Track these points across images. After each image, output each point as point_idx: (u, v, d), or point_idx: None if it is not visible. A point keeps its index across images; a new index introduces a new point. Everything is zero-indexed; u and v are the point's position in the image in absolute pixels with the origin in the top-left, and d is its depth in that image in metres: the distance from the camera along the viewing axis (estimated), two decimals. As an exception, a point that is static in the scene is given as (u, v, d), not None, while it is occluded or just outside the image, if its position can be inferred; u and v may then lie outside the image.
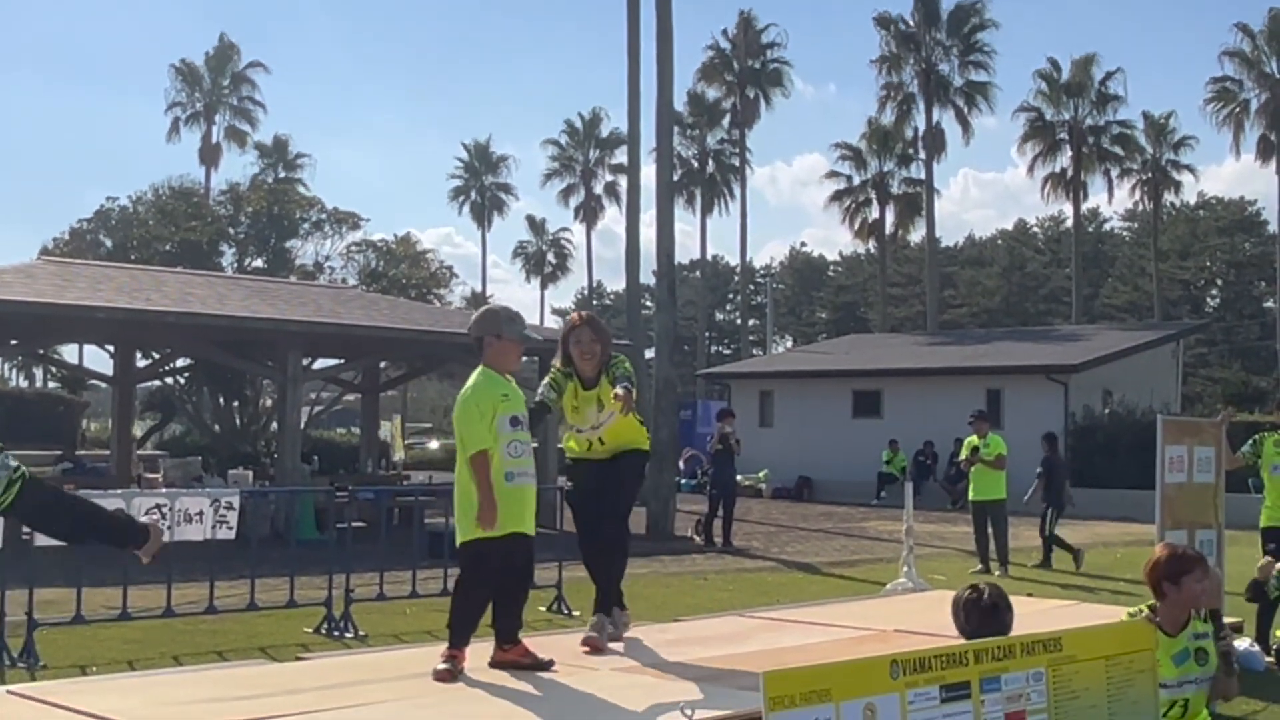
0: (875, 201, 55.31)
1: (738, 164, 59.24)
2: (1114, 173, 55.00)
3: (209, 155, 61.17)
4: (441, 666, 6.18)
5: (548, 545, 8.58)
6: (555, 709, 5.55)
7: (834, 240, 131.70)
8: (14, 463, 4.09)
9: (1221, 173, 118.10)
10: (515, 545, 6.46)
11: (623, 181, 53.25)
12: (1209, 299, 71.74)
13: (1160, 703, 5.32)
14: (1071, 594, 12.68)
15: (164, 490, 12.23)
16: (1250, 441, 10.12)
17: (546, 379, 7.38)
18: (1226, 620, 8.46)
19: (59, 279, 19.28)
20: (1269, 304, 63.21)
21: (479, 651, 6.48)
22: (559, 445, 18.82)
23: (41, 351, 23.99)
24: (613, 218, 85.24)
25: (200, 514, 9.45)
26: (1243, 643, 9.11)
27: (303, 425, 24.52)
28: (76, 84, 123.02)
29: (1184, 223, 70.89)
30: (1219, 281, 71.87)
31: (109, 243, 35.69)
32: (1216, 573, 9.57)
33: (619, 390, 6.87)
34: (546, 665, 6.42)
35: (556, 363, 7.34)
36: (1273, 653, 8.80)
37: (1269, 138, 49.40)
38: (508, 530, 6.36)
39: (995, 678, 4.27)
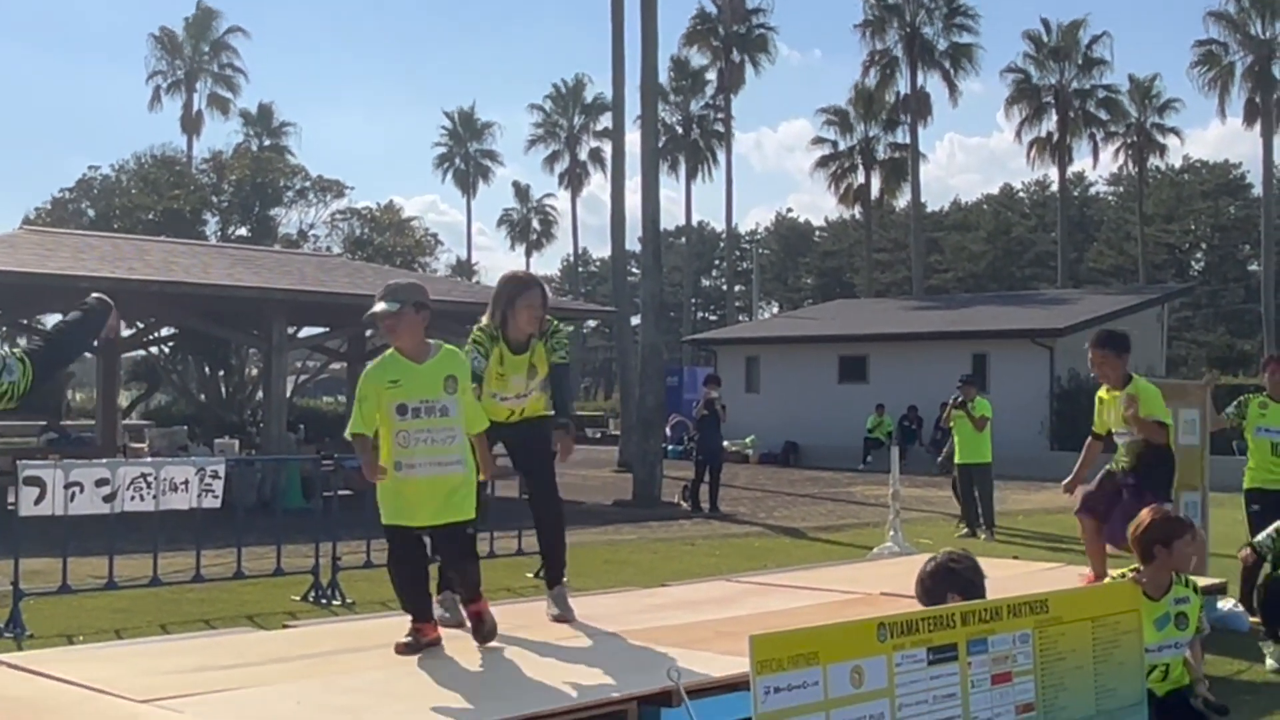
0: (861, 167, 55.27)
1: (723, 130, 59.05)
2: (1099, 136, 55.04)
3: (191, 123, 60.69)
4: (402, 639, 6.02)
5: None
6: (542, 673, 5.56)
7: (820, 206, 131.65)
8: (4, 350, 4.32)
9: (1207, 136, 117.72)
10: (419, 535, 6.15)
11: (608, 147, 53.04)
12: (1194, 262, 71.82)
13: (1143, 666, 5.33)
14: (1058, 556, 12.73)
15: (150, 459, 12.18)
16: (1235, 403, 10.17)
17: (472, 346, 6.52)
18: (1210, 581, 8.52)
19: (41, 248, 19.17)
20: (1253, 267, 63.27)
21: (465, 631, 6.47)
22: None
23: (24, 321, 23.81)
24: (598, 184, 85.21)
25: (186, 483, 9.44)
26: (1226, 603, 9.16)
27: (288, 394, 24.47)
28: (58, 52, 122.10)
29: (1169, 186, 70.90)
30: (1204, 245, 71.92)
31: (91, 212, 35.44)
32: (1201, 534, 9.64)
33: (560, 446, 6.70)
34: (487, 635, 6.15)
35: (484, 320, 6.60)
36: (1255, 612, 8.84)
37: (1254, 100, 49.33)
38: (400, 521, 6.05)
39: (982, 640, 4.29)
